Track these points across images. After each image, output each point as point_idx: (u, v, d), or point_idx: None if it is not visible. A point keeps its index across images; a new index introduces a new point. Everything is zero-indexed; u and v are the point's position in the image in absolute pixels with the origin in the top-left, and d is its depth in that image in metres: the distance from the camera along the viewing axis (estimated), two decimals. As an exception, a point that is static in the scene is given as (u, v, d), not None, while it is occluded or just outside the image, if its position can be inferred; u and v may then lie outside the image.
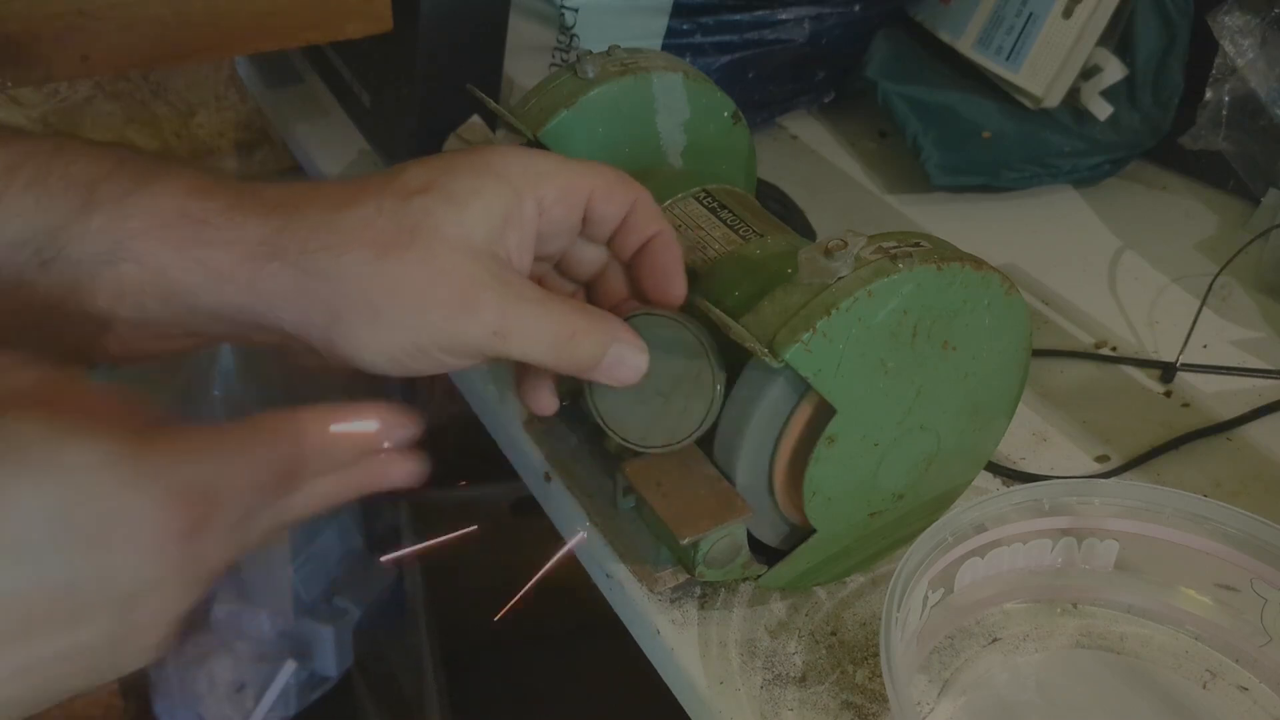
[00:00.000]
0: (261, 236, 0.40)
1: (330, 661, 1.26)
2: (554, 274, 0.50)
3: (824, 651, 0.50)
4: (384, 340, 0.40)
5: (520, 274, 0.43)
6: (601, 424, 0.47)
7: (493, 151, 0.43)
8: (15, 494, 0.29)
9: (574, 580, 0.57)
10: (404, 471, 0.41)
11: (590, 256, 0.48)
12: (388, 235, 0.40)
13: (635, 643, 0.53)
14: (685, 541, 0.46)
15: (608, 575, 0.53)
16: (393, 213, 0.40)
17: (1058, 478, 0.52)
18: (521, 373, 0.48)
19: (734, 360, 0.46)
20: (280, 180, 0.46)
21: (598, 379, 0.44)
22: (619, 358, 0.44)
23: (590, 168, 0.45)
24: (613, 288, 0.49)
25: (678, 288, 0.47)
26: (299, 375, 1.11)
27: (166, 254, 0.40)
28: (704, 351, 0.45)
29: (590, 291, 0.50)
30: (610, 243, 0.48)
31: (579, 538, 0.54)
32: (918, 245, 0.45)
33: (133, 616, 0.32)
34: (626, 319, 0.45)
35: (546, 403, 0.48)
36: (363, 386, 1.18)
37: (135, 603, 0.32)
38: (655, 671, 0.52)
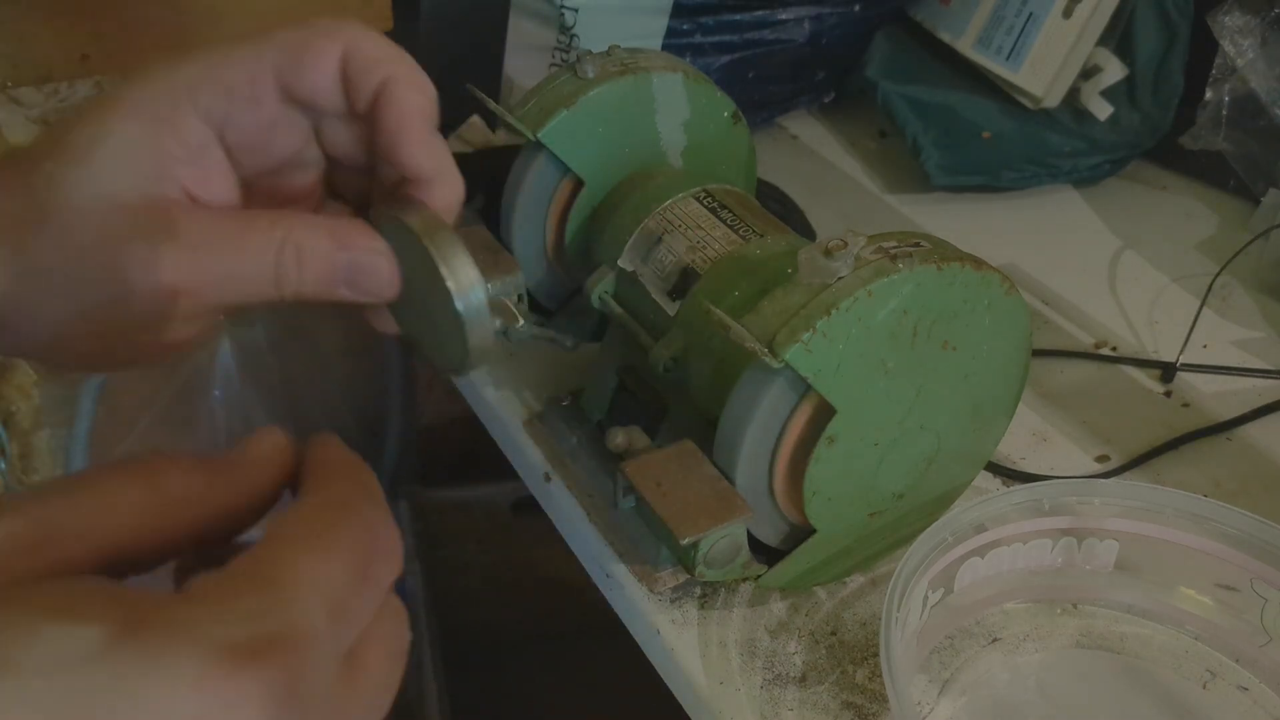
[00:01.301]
0: None
1: (330, 661, 1.25)
2: (351, 172, 0.40)
3: (824, 651, 0.50)
4: (77, 344, 0.34)
5: (204, 210, 0.35)
6: (416, 345, 0.40)
7: (130, 83, 0.35)
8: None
9: (574, 580, 0.57)
10: None
11: (353, 137, 0.38)
12: (18, 221, 0.33)
13: (635, 643, 0.53)
14: (685, 541, 0.46)
15: (608, 575, 0.53)
16: (19, 191, 0.33)
17: (1058, 478, 0.52)
18: None
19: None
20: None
21: (347, 298, 0.36)
22: (356, 270, 0.35)
23: (258, 45, 0.35)
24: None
25: (414, 147, 0.35)
26: (299, 376, 1.11)
27: None
28: (434, 261, 0.34)
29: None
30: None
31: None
32: (918, 245, 0.45)
33: None
34: (377, 225, 0.36)
35: (385, 321, 0.39)
36: (361, 388, 1.18)
37: None
38: (655, 671, 0.52)
